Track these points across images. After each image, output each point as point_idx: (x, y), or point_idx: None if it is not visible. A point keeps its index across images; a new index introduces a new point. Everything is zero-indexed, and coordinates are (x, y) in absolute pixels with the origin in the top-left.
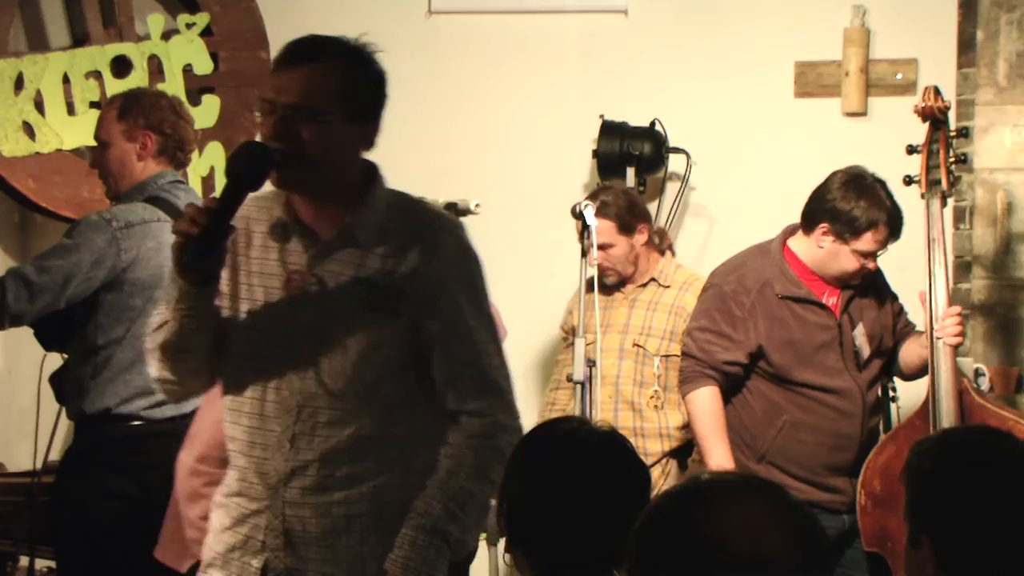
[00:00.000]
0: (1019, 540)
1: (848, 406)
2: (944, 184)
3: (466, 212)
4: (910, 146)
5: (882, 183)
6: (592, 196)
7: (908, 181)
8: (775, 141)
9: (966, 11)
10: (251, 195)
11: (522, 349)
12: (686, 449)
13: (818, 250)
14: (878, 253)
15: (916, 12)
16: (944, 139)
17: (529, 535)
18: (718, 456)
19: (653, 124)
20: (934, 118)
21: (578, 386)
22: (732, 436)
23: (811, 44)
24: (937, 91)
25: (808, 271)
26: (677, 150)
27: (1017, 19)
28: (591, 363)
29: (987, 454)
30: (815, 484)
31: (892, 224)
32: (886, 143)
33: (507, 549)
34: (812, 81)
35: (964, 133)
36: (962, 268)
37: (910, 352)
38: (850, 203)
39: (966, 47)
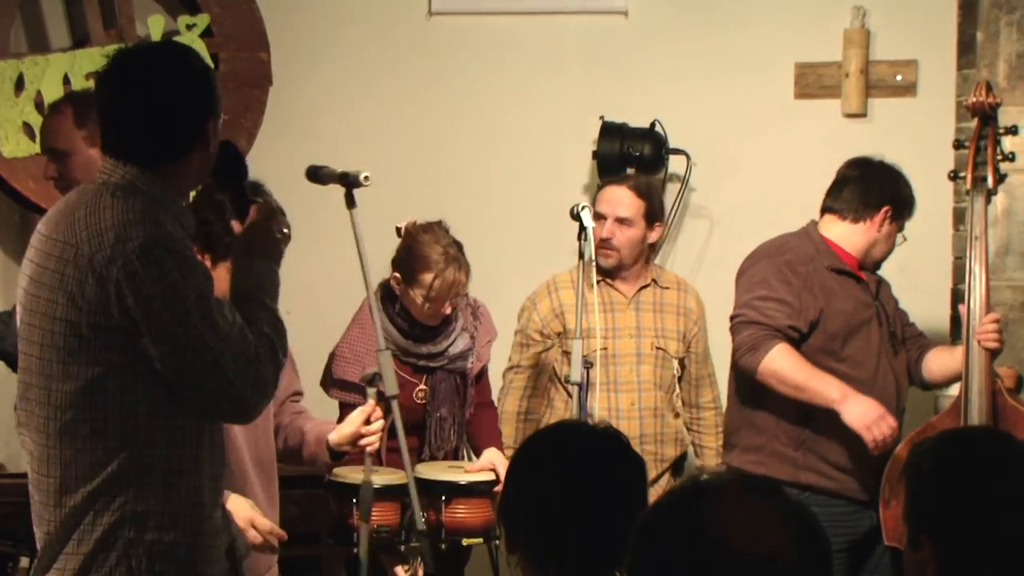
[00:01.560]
0: (1020, 540)
1: (886, 387)
2: (991, 181)
3: (356, 184)
4: (957, 141)
5: None
6: (625, 177)
7: (952, 176)
8: (775, 142)
9: (966, 12)
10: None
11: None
12: (684, 457)
13: (876, 234)
14: None
15: (916, 13)
16: (993, 135)
17: (529, 534)
18: (833, 390)
19: (653, 125)
20: (983, 113)
21: (575, 387)
22: (770, 424)
23: (811, 45)
24: (989, 86)
25: (847, 255)
26: (677, 151)
27: (1017, 20)
28: (588, 364)
29: (986, 454)
30: (849, 472)
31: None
32: (886, 144)
33: (508, 550)
34: (812, 82)
35: (1014, 131)
36: (961, 269)
37: (939, 363)
38: (902, 186)
39: (966, 48)
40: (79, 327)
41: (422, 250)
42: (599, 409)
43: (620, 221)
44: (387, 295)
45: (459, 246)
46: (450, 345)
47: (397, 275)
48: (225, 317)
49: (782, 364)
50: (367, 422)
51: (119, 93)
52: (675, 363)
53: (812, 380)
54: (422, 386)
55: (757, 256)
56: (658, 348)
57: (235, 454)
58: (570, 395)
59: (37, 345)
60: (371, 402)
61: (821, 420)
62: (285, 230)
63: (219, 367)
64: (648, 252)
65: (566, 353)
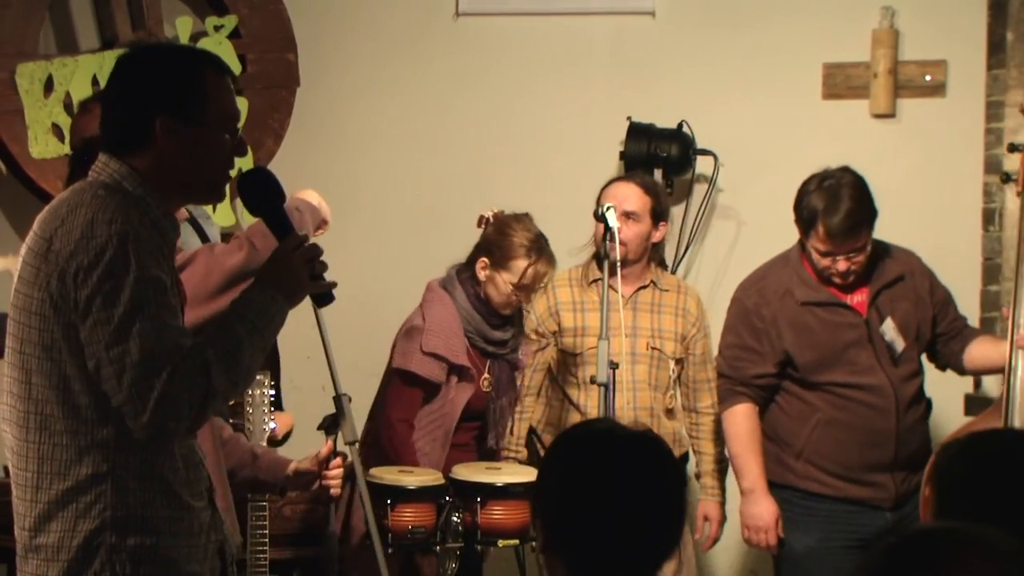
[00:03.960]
0: None
1: (881, 402)
2: None
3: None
4: (1012, 144)
5: (844, 184)
6: (632, 175)
7: (1006, 179)
8: (803, 143)
9: (996, 12)
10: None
11: None
12: (684, 459)
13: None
14: (848, 254)
15: (945, 13)
16: None
17: (565, 536)
18: (748, 478)
19: (680, 126)
20: None
21: (601, 388)
22: (772, 433)
23: (839, 45)
24: None
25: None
26: (704, 152)
27: None
28: (614, 365)
29: (1016, 456)
30: (853, 481)
31: (827, 221)
32: (914, 145)
33: (541, 550)
34: (840, 83)
35: None
36: (991, 270)
37: (980, 353)
38: (799, 201)
39: (996, 48)
40: (51, 322)
41: (518, 238)
42: (591, 408)
43: (627, 215)
44: (465, 278)
45: (546, 240)
46: (512, 336)
47: (485, 260)
48: (155, 332)
49: (729, 428)
50: (326, 466)
51: (107, 85)
52: (671, 364)
53: (739, 459)
54: (487, 375)
55: (737, 291)
56: (653, 348)
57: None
58: (566, 395)
59: (18, 339)
60: (329, 444)
61: (819, 432)
62: (323, 264)
63: (121, 380)
64: (651, 253)
65: (563, 352)
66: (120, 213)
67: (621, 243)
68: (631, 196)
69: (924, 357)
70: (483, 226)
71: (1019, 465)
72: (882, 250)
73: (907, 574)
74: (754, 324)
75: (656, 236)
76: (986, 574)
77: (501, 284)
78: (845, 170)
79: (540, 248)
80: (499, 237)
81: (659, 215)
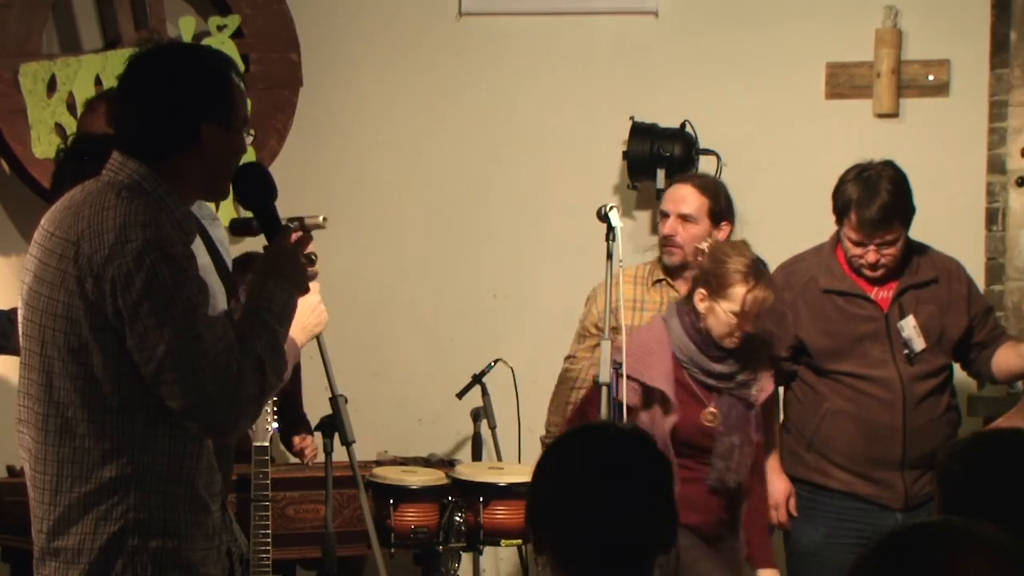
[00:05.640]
0: None
1: (888, 395)
2: None
3: (315, 227)
4: None
5: (884, 176)
6: (690, 176)
7: (1021, 182)
8: (806, 142)
9: (999, 11)
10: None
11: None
12: None
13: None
14: (879, 246)
15: (949, 13)
16: None
17: (557, 535)
18: None
19: (683, 125)
20: None
21: (604, 388)
22: (787, 423)
23: (843, 45)
24: None
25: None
26: (708, 151)
27: None
28: (617, 365)
29: (1017, 454)
30: (860, 475)
31: (860, 211)
32: (917, 144)
33: (536, 551)
34: (843, 82)
35: None
36: (995, 270)
37: (1006, 359)
38: (835, 192)
39: (999, 48)
40: (79, 326)
41: (733, 264)
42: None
43: (683, 218)
44: (684, 310)
45: (765, 264)
46: (740, 370)
47: (703, 291)
48: (213, 331)
49: None
50: None
51: (125, 85)
52: None
53: None
54: (712, 408)
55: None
56: None
57: None
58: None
59: (38, 342)
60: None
61: (827, 422)
62: (313, 256)
63: (197, 381)
64: None
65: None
66: (151, 216)
67: (677, 246)
68: (686, 197)
69: (957, 365)
70: (698, 259)
71: (1019, 464)
72: (922, 252)
73: (903, 570)
74: (775, 306)
75: (720, 236)
76: (982, 569)
77: (721, 314)
78: (887, 163)
79: (758, 273)
80: (714, 266)
81: (719, 215)
